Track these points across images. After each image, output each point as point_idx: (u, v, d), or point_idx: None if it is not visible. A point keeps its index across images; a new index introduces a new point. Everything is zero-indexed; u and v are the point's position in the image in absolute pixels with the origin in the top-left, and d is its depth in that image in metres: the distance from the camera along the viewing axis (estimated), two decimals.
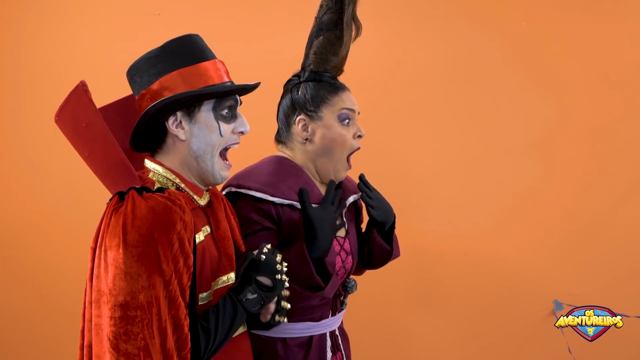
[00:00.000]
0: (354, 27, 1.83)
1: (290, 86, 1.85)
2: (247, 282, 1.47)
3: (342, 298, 1.85)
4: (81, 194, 2.84)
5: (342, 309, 1.87)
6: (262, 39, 2.86)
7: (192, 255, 1.38)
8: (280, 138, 1.86)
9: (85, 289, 1.39)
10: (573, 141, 2.76)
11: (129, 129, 1.47)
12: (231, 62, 2.81)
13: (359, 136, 1.84)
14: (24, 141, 2.98)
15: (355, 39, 1.84)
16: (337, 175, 1.82)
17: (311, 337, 1.78)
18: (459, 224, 2.81)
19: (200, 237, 1.44)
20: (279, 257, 1.53)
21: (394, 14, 2.83)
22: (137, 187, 1.36)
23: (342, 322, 1.91)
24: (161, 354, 1.31)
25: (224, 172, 1.50)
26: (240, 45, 2.86)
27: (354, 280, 1.86)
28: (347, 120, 1.80)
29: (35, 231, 2.99)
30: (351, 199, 1.89)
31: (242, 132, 1.50)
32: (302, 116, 1.80)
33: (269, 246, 1.53)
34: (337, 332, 1.85)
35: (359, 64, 2.69)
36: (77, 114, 1.36)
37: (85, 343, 1.36)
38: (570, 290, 2.68)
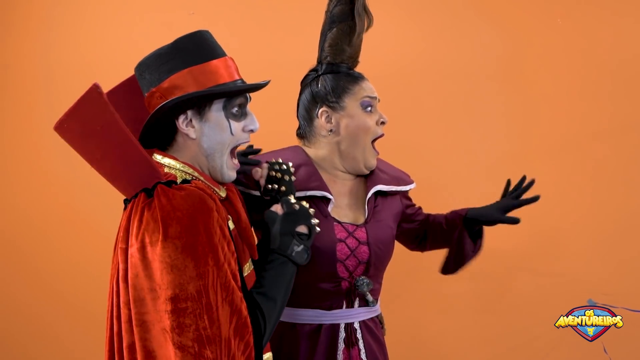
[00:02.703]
0: (365, 17, 1.87)
1: (308, 80, 1.90)
2: (290, 237, 1.49)
3: (356, 293, 1.83)
4: (109, 189, 2.91)
5: (366, 305, 1.84)
6: (297, 37, 2.91)
7: (232, 241, 1.40)
8: (303, 133, 1.91)
9: (117, 291, 1.38)
10: (609, 139, 2.72)
11: (138, 121, 1.49)
12: (261, 61, 2.88)
13: (382, 122, 1.88)
14: (58, 139, 3.08)
15: (368, 28, 1.89)
16: (368, 163, 1.87)
17: (320, 325, 1.80)
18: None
19: (231, 225, 1.48)
20: (306, 203, 1.56)
21: (417, 6, 2.86)
22: (162, 181, 1.36)
23: (378, 324, 1.90)
24: (217, 343, 1.30)
25: (232, 173, 1.51)
26: (275, 43, 2.91)
27: (364, 279, 1.82)
28: (369, 108, 1.85)
29: (58, 226, 3.12)
30: (379, 187, 1.88)
31: (252, 130, 1.52)
32: (324, 108, 1.84)
33: (292, 197, 1.56)
34: (356, 327, 1.83)
35: (376, 56, 2.73)
36: (90, 117, 1.34)
37: (125, 345, 1.35)
38: (605, 290, 2.62)
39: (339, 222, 1.81)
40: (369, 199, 1.87)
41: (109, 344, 1.41)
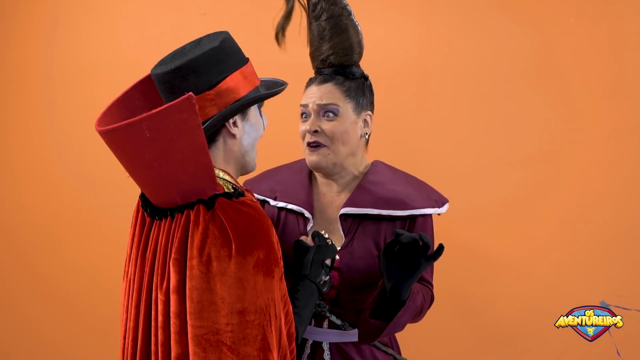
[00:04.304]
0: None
1: None
2: (319, 267, 1.61)
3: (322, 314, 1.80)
4: (117, 192, 2.94)
5: (338, 327, 1.80)
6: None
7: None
8: None
9: (165, 301, 1.39)
10: (628, 139, 2.69)
11: None
12: (274, 62, 2.89)
13: (314, 131, 1.80)
14: (59, 141, 3.12)
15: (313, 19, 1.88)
16: (308, 163, 1.84)
17: None
18: (501, 225, 2.80)
19: None
20: (331, 240, 1.71)
21: (433, 5, 2.83)
22: (219, 193, 1.38)
23: (366, 351, 1.83)
24: (277, 350, 1.37)
25: (255, 161, 1.58)
26: (288, 44, 2.90)
27: (318, 300, 1.76)
28: (303, 116, 1.85)
29: (65, 229, 3.12)
30: (345, 210, 1.79)
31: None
32: None
33: (325, 233, 1.70)
34: (325, 347, 1.81)
35: (393, 55, 2.74)
36: (170, 124, 1.31)
37: (173, 356, 1.36)
38: (617, 292, 2.63)
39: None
40: (342, 221, 1.81)
41: (141, 350, 1.44)
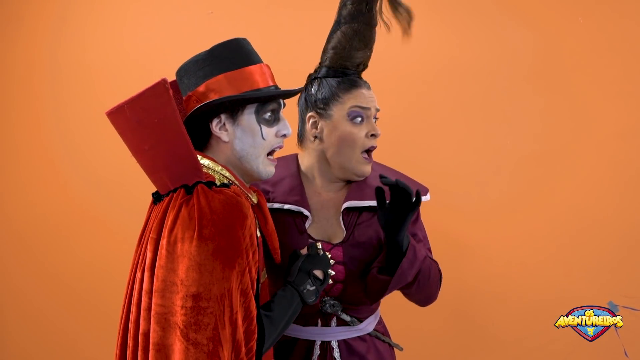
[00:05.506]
0: (380, 22, 1.80)
1: (307, 82, 1.85)
2: (306, 275, 1.60)
3: (327, 312, 1.80)
4: (124, 190, 2.99)
5: (346, 324, 1.81)
6: (314, 39, 2.91)
7: (257, 250, 1.47)
8: (299, 136, 1.88)
9: (141, 279, 1.42)
10: (637, 140, 2.69)
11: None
12: (280, 62, 2.90)
13: (372, 135, 1.77)
14: (64, 138, 3.15)
15: (408, 26, 1.82)
16: (358, 172, 1.79)
17: (296, 339, 1.81)
18: (509, 226, 2.79)
19: (258, 233, 1.54)
20: (328, 254, 1.69)
21: (448, 10, 2.83)
22: (203, 181, 1.42)
23: (373, 344, 1.84)
24: (231, 344, 1.36)
25: (270, 168, 1.56)
26: (291, 46, 2.91)
27: (329, 300, 1.78)
28: (358, 119, 1.75)
29: (72, 227, 3.14)
30: (348, 204, 1.78)
31: (284, 135, 1.57)
32: (312, 113, 1.80)
33: (319, 244, 1.68)
34: (334, 345, 1.80)
35: (399, 58, 2.74)
36: (151, 108, 1.39)
37: (140, 331, 1.39)
38: (626, 293, 2.61)
39: (314, 240, 1.78)
40: (344, 215, 1.80)
41: (123, 330, 1.47)
